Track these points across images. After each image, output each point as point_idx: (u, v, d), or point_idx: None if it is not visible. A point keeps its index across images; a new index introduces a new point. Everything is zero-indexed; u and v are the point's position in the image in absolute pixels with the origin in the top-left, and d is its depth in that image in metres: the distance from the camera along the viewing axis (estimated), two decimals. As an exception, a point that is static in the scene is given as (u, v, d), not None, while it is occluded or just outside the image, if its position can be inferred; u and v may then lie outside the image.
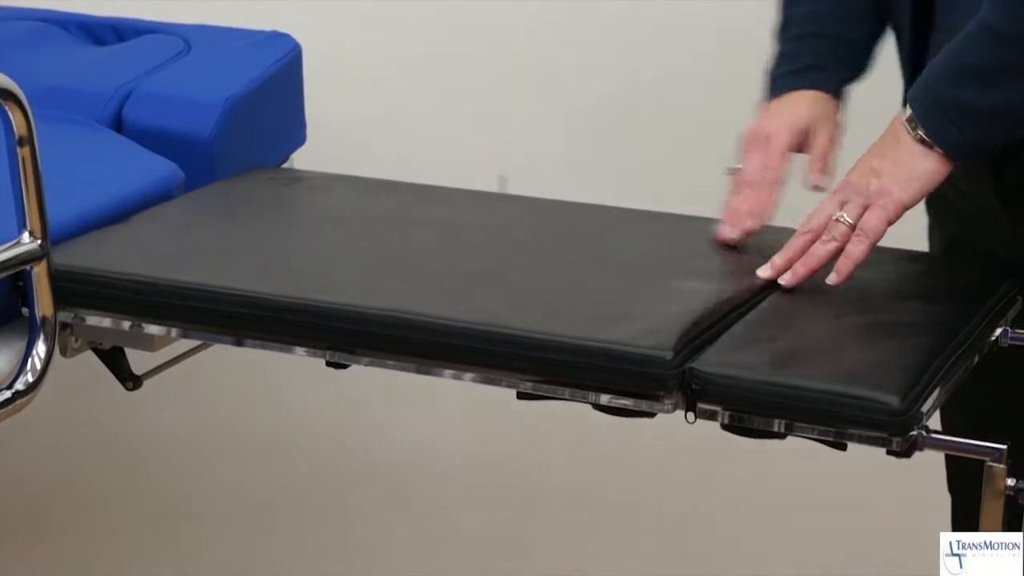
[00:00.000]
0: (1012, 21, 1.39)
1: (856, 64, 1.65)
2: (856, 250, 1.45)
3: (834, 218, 1.45)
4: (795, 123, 1.59)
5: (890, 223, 1.45)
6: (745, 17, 2.43)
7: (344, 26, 2.55)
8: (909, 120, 1.44)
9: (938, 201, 1.62)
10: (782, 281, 1.47)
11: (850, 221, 1.45)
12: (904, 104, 1.48)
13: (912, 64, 1.56)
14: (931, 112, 1.43)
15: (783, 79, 1.64)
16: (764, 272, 1.48)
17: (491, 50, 2.53)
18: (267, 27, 2.08)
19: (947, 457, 1.64)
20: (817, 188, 1.58)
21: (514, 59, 2.52)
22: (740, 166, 1.59)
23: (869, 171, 1.45)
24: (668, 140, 2.48)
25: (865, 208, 1.45)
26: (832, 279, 1.46)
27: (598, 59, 2.50)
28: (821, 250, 1.46)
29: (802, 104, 1.61)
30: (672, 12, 2.46)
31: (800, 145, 1.60)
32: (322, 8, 2.53)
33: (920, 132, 1.43)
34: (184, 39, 2.04)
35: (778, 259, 1.48)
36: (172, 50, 2.01)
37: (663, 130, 2.47)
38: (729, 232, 1.58)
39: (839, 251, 1.46)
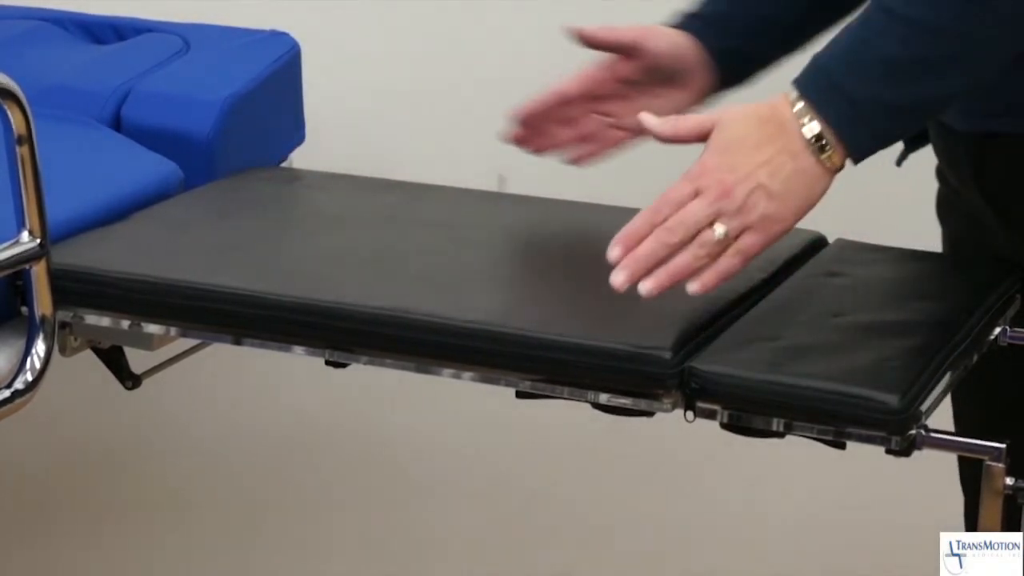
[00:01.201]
0: (927, 9, 1.29)
1: (764, 37, 1.55)
2: (731, 268, 1.32)
3: (715, 236, 1.30)
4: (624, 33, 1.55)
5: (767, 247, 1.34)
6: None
7: (343, 25, 2.55)
8: (813, 140, 1.31)
9: (941, 201, 1.62)
10: (642, 290, 1.31)
11: (728, 240, 1.31)
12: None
13: None
14: (851, 124, 1.31)
15: (675, 16, 1.57)
16: (618, 279, 1.32)
17: (490, 48, 2.52)
18: (266, 26, 2.08)
19: (959, 455, 1.63)
20: (580, 32, 1.55)
21: (514, 57, 2.52)
22: None
23: (759, 189, 1.30)
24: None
25: (746, 228, 1.31)
26: (694, 288, 1.32)
27: (599, 57, 2.50)
28: (693, 264, 1.31)
29: (650, 31, 1.56)
30: (673, 11, 2.46)
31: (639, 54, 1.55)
32: (321, 7, 2.53)
33: (826, 153, 1.31)
34: (183, 38, 2.04)
35: (635, 266, 1.32)
36: (171, 49, 2.01)
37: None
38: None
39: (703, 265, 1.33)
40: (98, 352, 1.63)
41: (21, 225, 1.47)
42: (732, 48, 1.55)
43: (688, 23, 1.55)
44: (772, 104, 1.33)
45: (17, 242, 1.47)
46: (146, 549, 2.65)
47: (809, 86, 1.32)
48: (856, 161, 1.33)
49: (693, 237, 1.31)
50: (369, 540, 2.66)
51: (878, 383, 1.30)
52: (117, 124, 1.88)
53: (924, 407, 1.32)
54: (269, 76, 1.95)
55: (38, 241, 1.47)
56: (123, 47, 2.07)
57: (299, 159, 2.05)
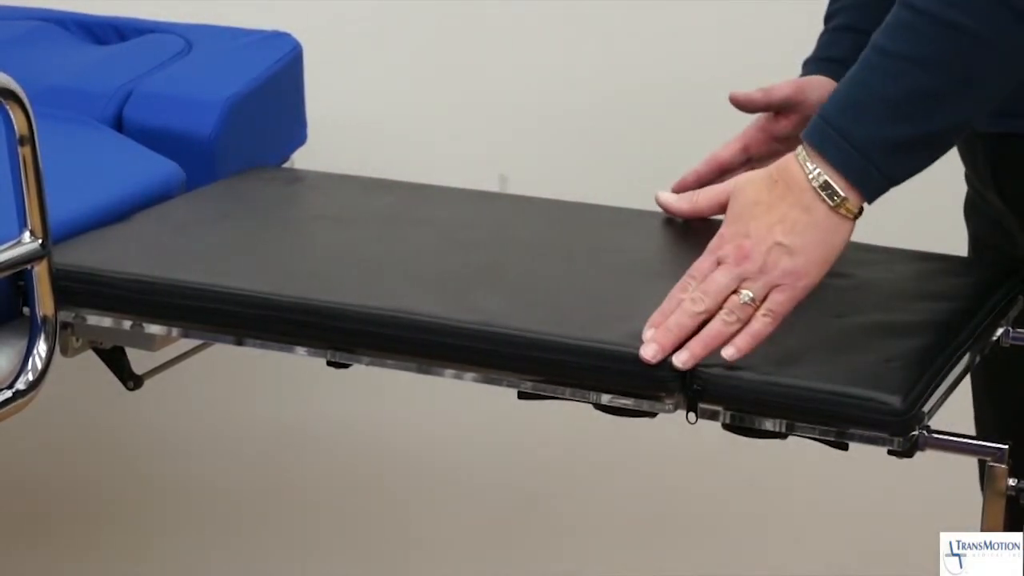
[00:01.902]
0: (918, 44, 1.30)
1: None
2: (764, 330, 1.32)
3: (741, 300, 1.32)
4: (781, 88, 1.58)
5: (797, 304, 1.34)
6: (747, 19, 2.43)
7: (345, 26, 2.55)
8: (820, 188, 1.31)
9: (967, 203, 1.62)
10: (677, 362, 1.32)
11: (756, 303, 1.32)
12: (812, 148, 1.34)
13: None
14: (855, 165, 1.30)
15: (808, 64, 1.62)
16: (648, 352, 1.32)
17: (492, 49, 2.53)
18: (268, 27, 2.08)
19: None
20: (733, 97, 1.57)
21: (515, 58, 2.52)
22: None
23: (776, 247, 1.31)
24: (669, 140, 2.47)
25: (772, 287, 1.32)
26: (730, 353, 1.32)
27: (600, 60, 2.51)
28: (724, 331, 1.32)
29: (812, 83, 1.58)
30: (674, 13, 2.46)
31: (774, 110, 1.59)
32: (323, 8, 2.53)
33: (835, 199, 1.31)
34: (185, 38, 2.05)
35: (665, 339, 1.33)
36: (173, 49, 2.01)
37: (665, 130, 2.48)
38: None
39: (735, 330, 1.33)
40: (100, 352, 1.63)
41: (23, 225, 1.47)
42: None
43: (834, 69, 1.56)
44: (780, 163, 1.34)
45: (19, 242, 1.46)
46: (147, 549, 2.65)
47: (812, 135, 1.33)
48: (870, 201, 1.32)
49: (721, 306, 1.33)
50: (371, 539, 2.67)
51: (880, 384, 1.30)
52: (119, 124, 1.88)
53: (926, 408, 1.32)
54: (271, 76, 1.95)
55: (40, 241, 1.47)
56: (125, 47, 2.08)
57: (301, 160, 2.05)
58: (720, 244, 1.34)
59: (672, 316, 1.33)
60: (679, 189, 1.63)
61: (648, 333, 1.33)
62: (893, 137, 1.30)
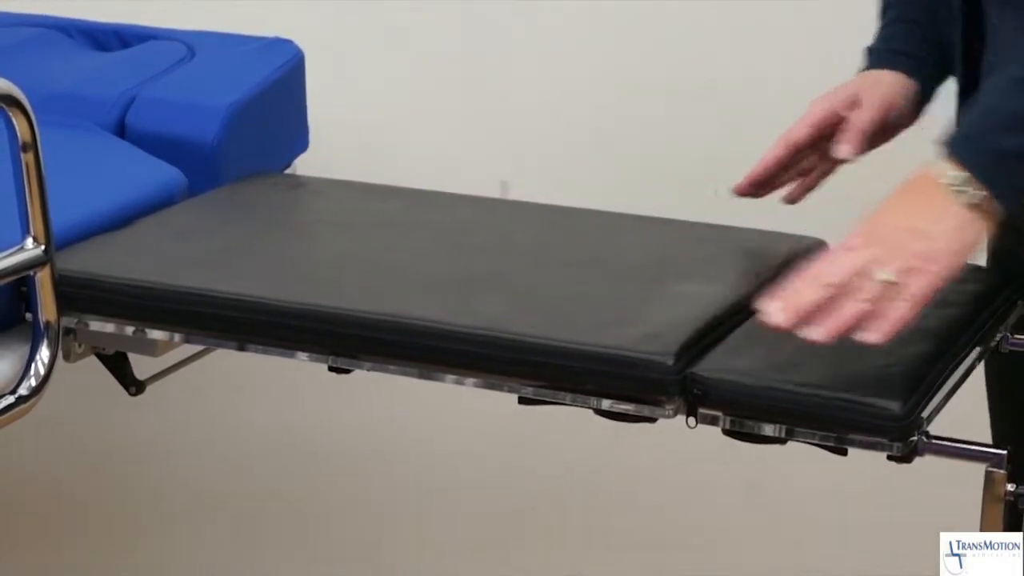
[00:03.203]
0: None
1: (939, 64, 1.60)
2: (899, 313, 1.29)
3: (875, 278, 1.29)
4: (840, 93, 1.58)
5: (934, 293, 1.31)
6: (747, 23, 2.44)
7: (347, 33, 2.56)
8: (955, 185, 1.32)
9: None
10: (815, 337, 1.29)
11: (893, 280, 1.29)
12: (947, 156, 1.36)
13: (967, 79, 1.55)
14: (987, 167, 1.32)
15: (877, 54, 1.62)
16: (777, 316, 1.29)
17: (493, 57, 2.54)
18: (270, 33, 2.08)
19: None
20: (838, 158, 1.55)
21: (517, 66, 2.53)
22: None
23: (908, 230, 1.31)
24: (670, 146, 2.49)
25: (909, 271, 1.29)
26: (872, 337, 1.29)
27: (601, 66, 2.51)
28: (854, 309, 1.28)
29: (864, 80, 1.59)
30: (675, 20, 2.46)
31: (845, 108, 1.57)
32: (325, 15, 2.54)
33: (969, 195, 1.32)
34: (187, 45, 2.05)
35: (793, 303, 1.30)
36: (175, 56, 2.02)
37: (665, 136, 2.48)
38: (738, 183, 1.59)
39: (870, 312, 1.30)
40: (102, 358, 1.63)
41: (26, 231, 1.47)
42: (932, 75, 1.60)
43: (896, 60, 1.59)
44: (910, 175, 1.35)
45: (22, 248, 1.47)
46: (149, 554, 2.65)
47: (949, 143, 1.34)
48: (1003, 205, 1.33)
49: (854, 290, 1.30)
50: (372, 545, 2.67)
51: (879, 390, 1.30)
52: (122, 131, 1.89)
53: (925, 414, 1.32)
54: (273, 83, 1.95)
55: (42, 247, 1.48)
56: (127, 54, 2.08)
57: (303, 166, 2.05)
58: (850, 238, 1.32)
59: (804, 292, 1.29)
60: (762, 176, 1.60)
61: (775, 304, 1.30)
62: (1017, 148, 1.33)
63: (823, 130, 1.58)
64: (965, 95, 1.51)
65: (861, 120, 1.55)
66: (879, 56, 1.62)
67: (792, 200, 1.63)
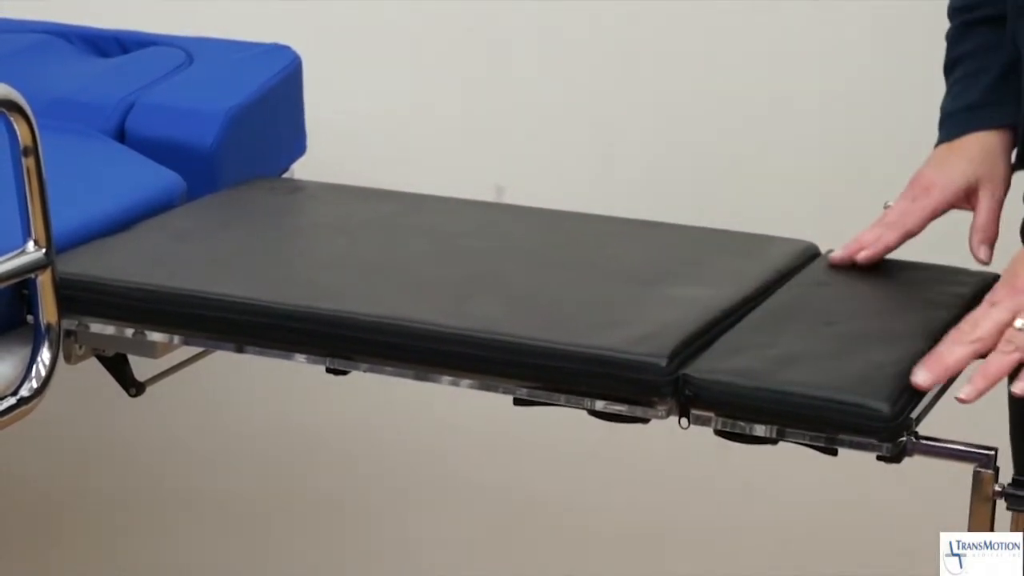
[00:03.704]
0: None
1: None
2: None
3: (1018, 328, 1.33)
4: (956, 181, 1.56)
5: None
6: (739, 28, 2.44)
7: (344, 39, 2.56)
8: None
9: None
10: (963, 396, 1.32)
11: None
12: None
13: None
14: None
15: (952, 118, 1.60)
16: (920, 378, 1.33)
17: (489, 61, 2.54)
18: (268, 40, 2.09)
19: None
20: (980, 262, 1.55)
21: (512, 70, 2.53)
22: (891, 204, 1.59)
23: None
24: (664, 151, 2.49)
25: None
26: (1020, 388, 1.32)
27: (595, 70, 2.51)
28: (1003, 361, 1.33)
29: (970, 154, 1.57)
30: (669, 23, 2.47)
31: (961, 202, 1.57)
32: (322, 22, 2.54)
33: None
34: (186, 51, 2.06)
35: (936, 366, 1.34)
36: (174, 62, 2.02)
37: (660, 141, 2.48)
38: (838, 253, 1.58)
39: (1020, 363, 1.34)
40: (102, 360, 1.64)
41: (27, 235, 1.48)
42: (1019, 112, 1.59)
43: (980, 119, 1.59)
44: None
45: (23, 252, 1.47)
46: (149, 554, 2.65)
47: None
48: None
49: (997, 340, 1.34)
50: (366, 544, 2.67)
51: (869, 391, 1.31)
52: (121, 136, 1.90)
53: (914, 414, 1.33)
54: (271, 88, 1.96)
55: (43, 251, 1.48)
56: (127, 60, 2.08)
57: (300, 170, 2.06)
58: (992, 295, 1.37)
59: (943, 344, 1.35)
60: (869, 262, 1.58)
61: (921, 373, 1.33)
62: None
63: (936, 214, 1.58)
64: None
65: (988, 220, 1.56)
66: (969, 118, 1.60)
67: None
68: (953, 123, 1.60)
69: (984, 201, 1.56)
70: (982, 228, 1.55)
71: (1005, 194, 1.58)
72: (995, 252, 1.54)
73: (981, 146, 1.58)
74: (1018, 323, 1.33)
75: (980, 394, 1.31)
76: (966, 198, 1.57)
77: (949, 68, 1.64)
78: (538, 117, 2.52)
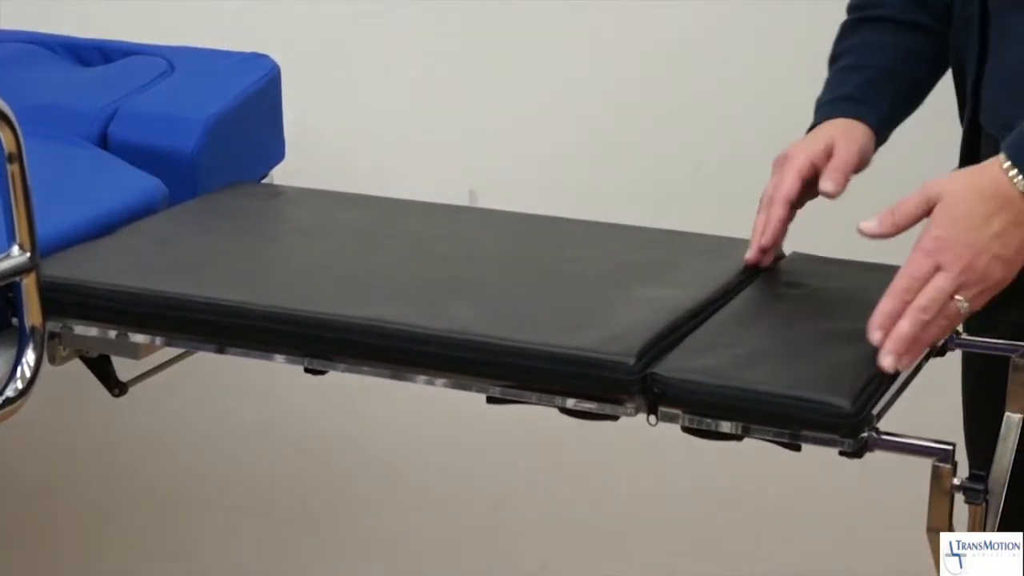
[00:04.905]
0: None
1: (901, 98, 1.64)
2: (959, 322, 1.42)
3: (959, 308, 1.38)
4: (816, 144, 1.58)
5: None
6: (719, 28, 2.46)
7: (320, 47, 2.57)
8: None
9: None
10: (900, 368, 1.38)
11: (968, 308, 1.39)
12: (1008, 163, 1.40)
13: (974, 98, 1.58)
14: None
15: (822, 108, 1.64)
16: (889, 363, 1.37)
17: (463, 68, 2.54)
18: (247, 49, 2.10)
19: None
20: (826, 195, 1.56)
21: (483, 77, 2.54)
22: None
23: (994, 259, 1.38)
24: (636, 155, 2.50)
25: (981, 294, 1.39)
26: (891, 365, 1.38)
27: (568, 75, 2.53)
28: (939, 335, 1.40)
29: (833, 128, 1.60)
30: (647, 26, 2.48)
31: (822, 160, 1.58)
32: (299, 31, 2.55)
33: None
34: (168, 60, 2.06)
35: (899, 347, 1.38)
36: (156, 71, 2.03)
37: (631, 145, 2.50)
38: (748, 254, 1.59)
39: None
40: (86, 361, 1.65)
41: (12, 239, 1.48)
42: (890, 112, 1.64)
43: (846, 110, 1.62)
44: (992, 178, 1.39)
45: (8, 256, 1.48)
46: (134, 554, 2.65)
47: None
48: None
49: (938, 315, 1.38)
50: (344, 541, 2.67)
51: (830, 388, 1.33)
52: (104, 142, 1.91)
53: (875, 411, 1.35)
54: (250, 96, 1.97)
55: (28, 255, 1.48)
56: (110, 69, 2.09)
57: (279, 176, 2.07)
58: (939, 248, 1.38)
59: (904, 324, 1.37)
60: (772, 243, 1.60)
61: (877, 336, 1.38)
62: None
63: (806, 180, 1.60)
64: (973, 114, 1.56)
65: (843, 161, 1.58)
66: (833, 106, 1.64)
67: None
68: (823, 112, 1.63)
69: (840, 150, 1.57)
70: (835, 169, 1.56)
71: (863, 164, 1.60)
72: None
73: (846, 124, 1.61)
74: (961, 304, 1.38)
75: (913, 363, 1.40)
76: (826, 157, 1.58)
77: (832, 61, 1.68)
78: (510, 123, 2.53)
